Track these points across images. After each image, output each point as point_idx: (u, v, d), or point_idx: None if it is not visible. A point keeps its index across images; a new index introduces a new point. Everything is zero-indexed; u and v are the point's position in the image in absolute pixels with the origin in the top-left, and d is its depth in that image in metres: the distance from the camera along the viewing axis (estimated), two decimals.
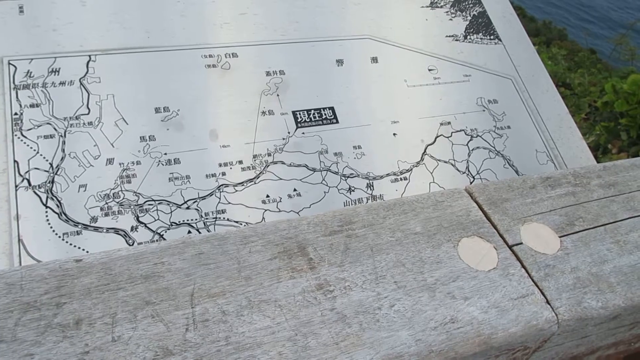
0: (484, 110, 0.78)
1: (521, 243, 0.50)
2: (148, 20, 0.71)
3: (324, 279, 0.44)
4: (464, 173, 0.72)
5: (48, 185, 0.58)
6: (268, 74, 0.71)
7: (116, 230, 0.57)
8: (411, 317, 0.42)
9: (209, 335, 0.39)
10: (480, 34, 0.85)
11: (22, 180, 0.57)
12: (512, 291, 0.46)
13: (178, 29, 0.71)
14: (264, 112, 0.69)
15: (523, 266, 0.48)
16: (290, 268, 0.44)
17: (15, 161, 0.58)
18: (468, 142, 0.74)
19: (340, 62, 0.75)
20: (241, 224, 0.61)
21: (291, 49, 0.74)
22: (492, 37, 0.86)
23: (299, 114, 0.70)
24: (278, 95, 0.70)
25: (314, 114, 0.70)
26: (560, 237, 0.51)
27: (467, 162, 0.73)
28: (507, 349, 0.44)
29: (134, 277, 0.41)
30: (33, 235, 0.55)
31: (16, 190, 0.57)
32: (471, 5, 0.88)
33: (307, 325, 0.41)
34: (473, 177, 0.72)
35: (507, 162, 0.75)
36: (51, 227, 0.56)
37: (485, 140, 0.75)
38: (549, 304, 0.45)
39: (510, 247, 0.49)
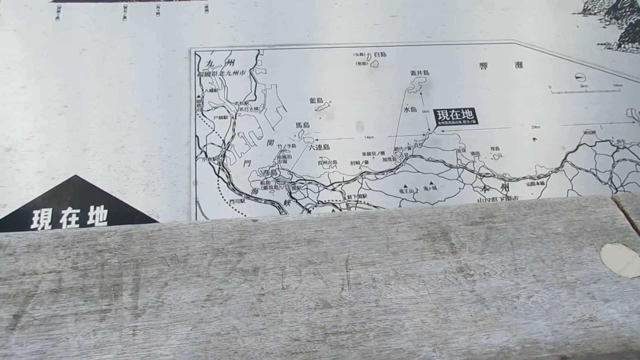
0: (634, 122, 0.75)
1: None
2: (309, 20, 0.79)
3: (464, 263, 0.47)
4: (605, 184, 0.70)
5: (220, 158, 0.68)
6: (413, 73, 0.76)
7: (272, 202, 0.66)
8: (549, 309, 0.44)
9: (361, 296, 0.45)
10: (637, 43, 0.81)
11: (201, 153, 0.68)
12: None
13: (334, 29, 0.79)
14: (406, 109, 0.73)
15: None
16: (433, 250, 0.48)
17: (196, 136, 0.69)
18: (613, 153, 0.72)
19: (484, 65, 0.77)
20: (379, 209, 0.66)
21: (436, 50, 0.78)
22: None
23: (440, 112, 0.73)
24: (421, 93, 0.74)
25: (454, 113, 0.73)
26: None
27: (611, 173, 0.71)
28: None
29: (299, 240, 0.49)
30: (206, 199, 0.66)
31: (195, 160, 0.68)
32: (628, 13, 0.85)
33: (448, 301, 0.45)
34: (615, 189, 0.70)
35: None
36: (221, 194, 0.66)
37: (633, 153, 0.72)
38: None
39: None
